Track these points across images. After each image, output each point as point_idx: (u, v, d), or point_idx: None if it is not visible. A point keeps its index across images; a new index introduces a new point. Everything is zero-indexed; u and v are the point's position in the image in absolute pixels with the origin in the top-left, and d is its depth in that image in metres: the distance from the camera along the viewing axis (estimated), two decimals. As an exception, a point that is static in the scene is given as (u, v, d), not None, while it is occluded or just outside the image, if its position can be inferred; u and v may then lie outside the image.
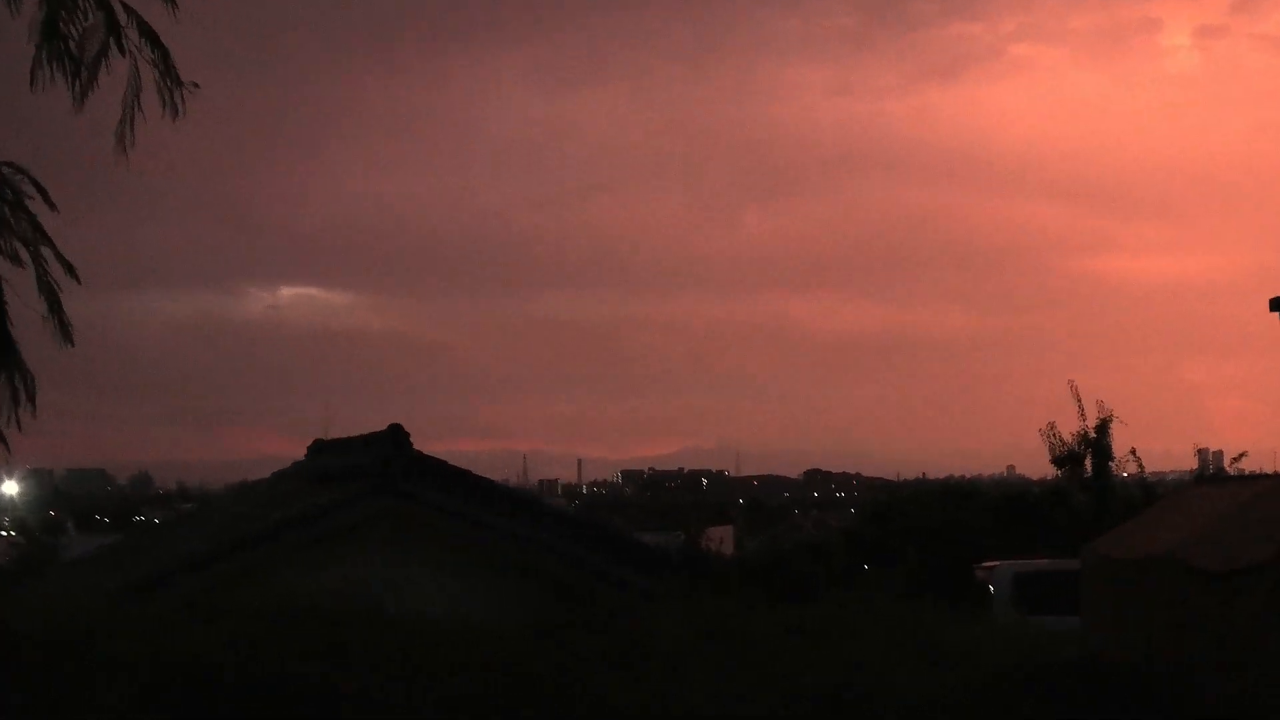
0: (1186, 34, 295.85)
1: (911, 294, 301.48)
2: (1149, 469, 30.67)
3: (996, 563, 22.00)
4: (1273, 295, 12.33)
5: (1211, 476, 28.99)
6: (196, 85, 11.36)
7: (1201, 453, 39.44)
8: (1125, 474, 29.58)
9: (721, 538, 38.07)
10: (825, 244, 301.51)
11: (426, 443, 16.80)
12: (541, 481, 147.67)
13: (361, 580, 12.99)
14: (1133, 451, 29.13)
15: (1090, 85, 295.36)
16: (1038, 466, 38.09)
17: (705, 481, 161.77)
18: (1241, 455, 30.23)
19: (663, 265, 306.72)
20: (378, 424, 17.09)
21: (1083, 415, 28.94)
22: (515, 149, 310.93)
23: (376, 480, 16.27)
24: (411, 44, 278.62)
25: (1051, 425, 29.21)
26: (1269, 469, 29.41)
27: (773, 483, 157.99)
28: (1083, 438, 28.96)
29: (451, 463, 17.12)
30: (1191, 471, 38.85)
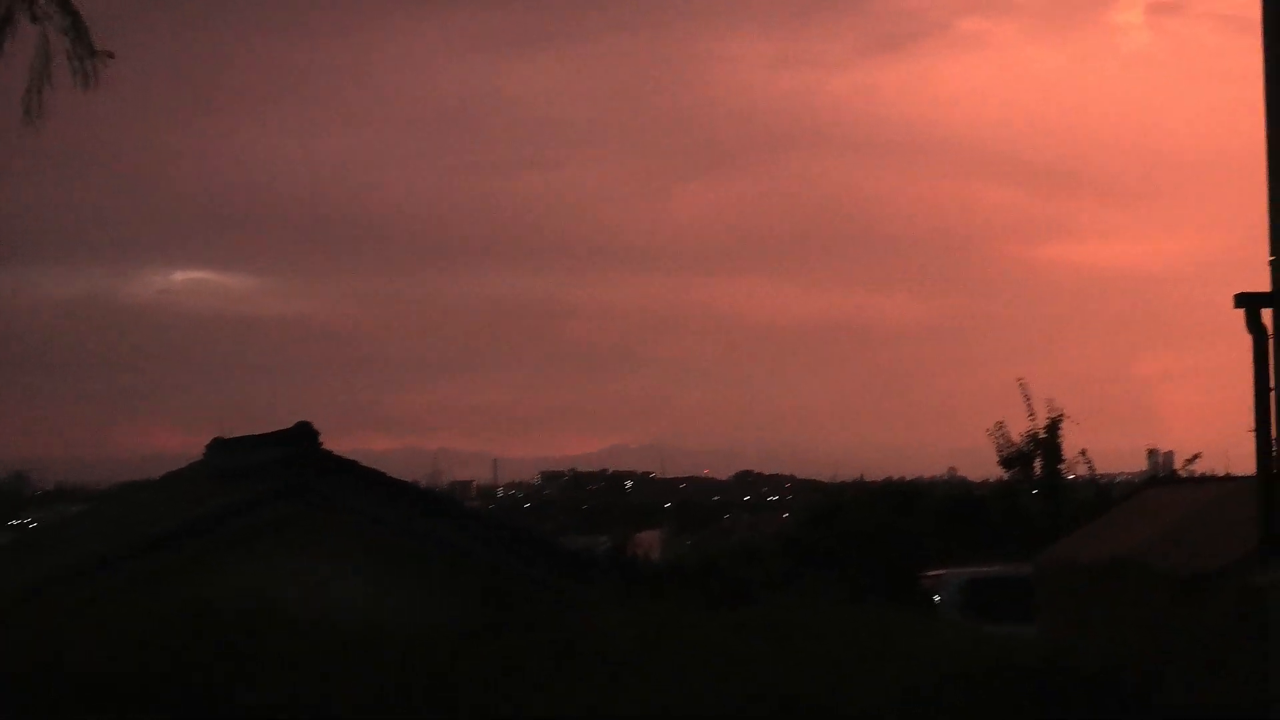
0: (1139, 10, 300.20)
1: (851, 281, 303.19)
2: (1099, 470, 31.17)
3: (944, 570, 22.23)
4: (1232, 285, 12.64)
5: (1165, 479, 29.50)
6: (111, 55, 11.23)
7: (1152, 454, 40.06)
8: (1074, 475, 30.04)
9: (650, 542, 38.27)
10: (761, 225, 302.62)
11: (333, 438, 16.69)
12: (454, 483, 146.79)
13: (271, 585, 12.91)
14: (1083, 453, 29.62)
15: (1042, 63, 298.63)
16: (981, 468, 38.52)
17: (629, 484, 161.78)
18: (1195, 457, 30.79)
19: (591, 245, 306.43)
20: (278, 417, 17.01)
21: (1032, 414, 29.37)
22: (437, 119, 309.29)
23: (284, 482, 16.16)
24: (334, 5, 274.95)
25: (1000, 425, 29.65)
26: (1221, 471, 29.92)
27: (701, 485, 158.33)
28: (1032, 438, 29.35)
29: (362, 464, 17.03)
30: (1142, 473, 39.43)
